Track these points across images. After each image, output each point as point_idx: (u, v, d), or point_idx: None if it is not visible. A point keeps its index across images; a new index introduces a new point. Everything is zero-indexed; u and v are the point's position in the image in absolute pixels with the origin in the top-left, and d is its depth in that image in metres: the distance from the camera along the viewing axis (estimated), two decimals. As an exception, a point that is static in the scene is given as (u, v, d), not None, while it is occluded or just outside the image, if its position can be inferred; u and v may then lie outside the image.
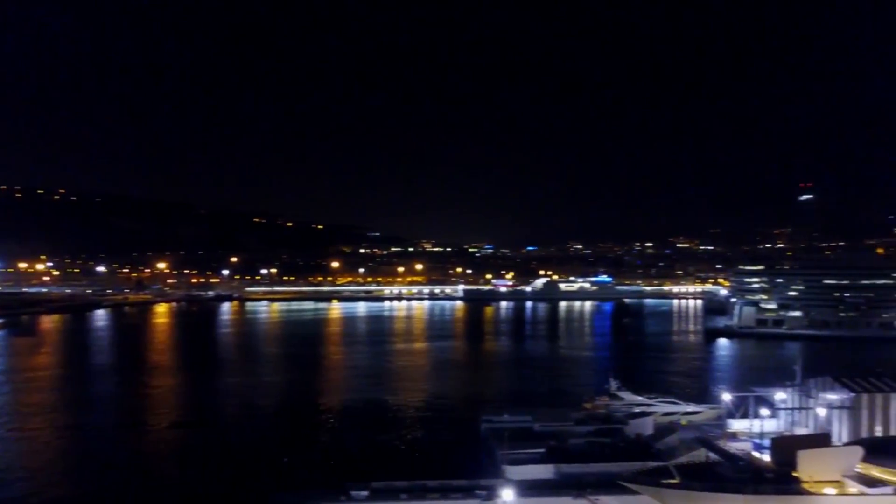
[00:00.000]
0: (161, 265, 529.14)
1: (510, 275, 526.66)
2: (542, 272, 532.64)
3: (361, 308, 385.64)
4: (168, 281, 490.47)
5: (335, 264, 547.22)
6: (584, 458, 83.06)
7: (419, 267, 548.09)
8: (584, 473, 77.38)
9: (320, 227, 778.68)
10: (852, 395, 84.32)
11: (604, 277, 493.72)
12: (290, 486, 77.59)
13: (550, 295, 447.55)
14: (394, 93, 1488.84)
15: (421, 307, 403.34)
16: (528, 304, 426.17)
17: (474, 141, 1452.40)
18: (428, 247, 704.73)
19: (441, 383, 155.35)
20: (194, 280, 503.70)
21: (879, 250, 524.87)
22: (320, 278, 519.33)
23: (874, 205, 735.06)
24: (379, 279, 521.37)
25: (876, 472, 62.80)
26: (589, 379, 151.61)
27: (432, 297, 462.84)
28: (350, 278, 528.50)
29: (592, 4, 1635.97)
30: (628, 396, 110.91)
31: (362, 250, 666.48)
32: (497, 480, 75.02)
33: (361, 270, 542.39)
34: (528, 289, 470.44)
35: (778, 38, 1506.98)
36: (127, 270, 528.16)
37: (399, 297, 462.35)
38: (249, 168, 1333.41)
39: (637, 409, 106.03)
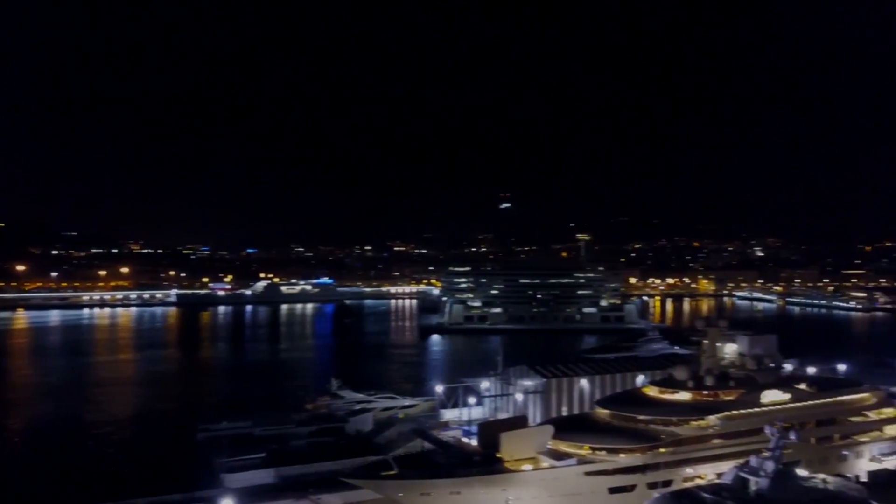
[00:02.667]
0: None
1: (229, 278, 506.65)
2: (262, 275, 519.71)
3: (55, 317, 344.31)
4: None
5: (21, 267, 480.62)
6: (305, 458, 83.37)
7: (125, 270, 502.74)
8: (307, 474, 77.81)
9: (1, 224, 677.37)
10: (544, 380, 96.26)
11: (325, 279, 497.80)
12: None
13: (272, 298, 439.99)
14: (94, 78, 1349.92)
15: (128, 314, 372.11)
16: (249, 307, 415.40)
17: (189, 136, 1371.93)
18: (136, 248, 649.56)
19: (150, 395, 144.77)
20: None
21: (564, 253, 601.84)
22: (2, 284, 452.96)
23: (561, 214, 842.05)
24: (77, 284, 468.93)
25: (564, 446, 71.66)
26: (311, 380, 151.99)
27: (142, 303, 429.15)
28: (40, 283, 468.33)
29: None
30: (349, 394, 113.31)
31: (55, 252, 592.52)
32: (215, 490, 72.25)
33: (54, 274, 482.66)
34: (249, 292, 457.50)
35: (484, 52, 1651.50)
36: None
37: (102, 304, 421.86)
38: None
39: (357, 407, 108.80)
